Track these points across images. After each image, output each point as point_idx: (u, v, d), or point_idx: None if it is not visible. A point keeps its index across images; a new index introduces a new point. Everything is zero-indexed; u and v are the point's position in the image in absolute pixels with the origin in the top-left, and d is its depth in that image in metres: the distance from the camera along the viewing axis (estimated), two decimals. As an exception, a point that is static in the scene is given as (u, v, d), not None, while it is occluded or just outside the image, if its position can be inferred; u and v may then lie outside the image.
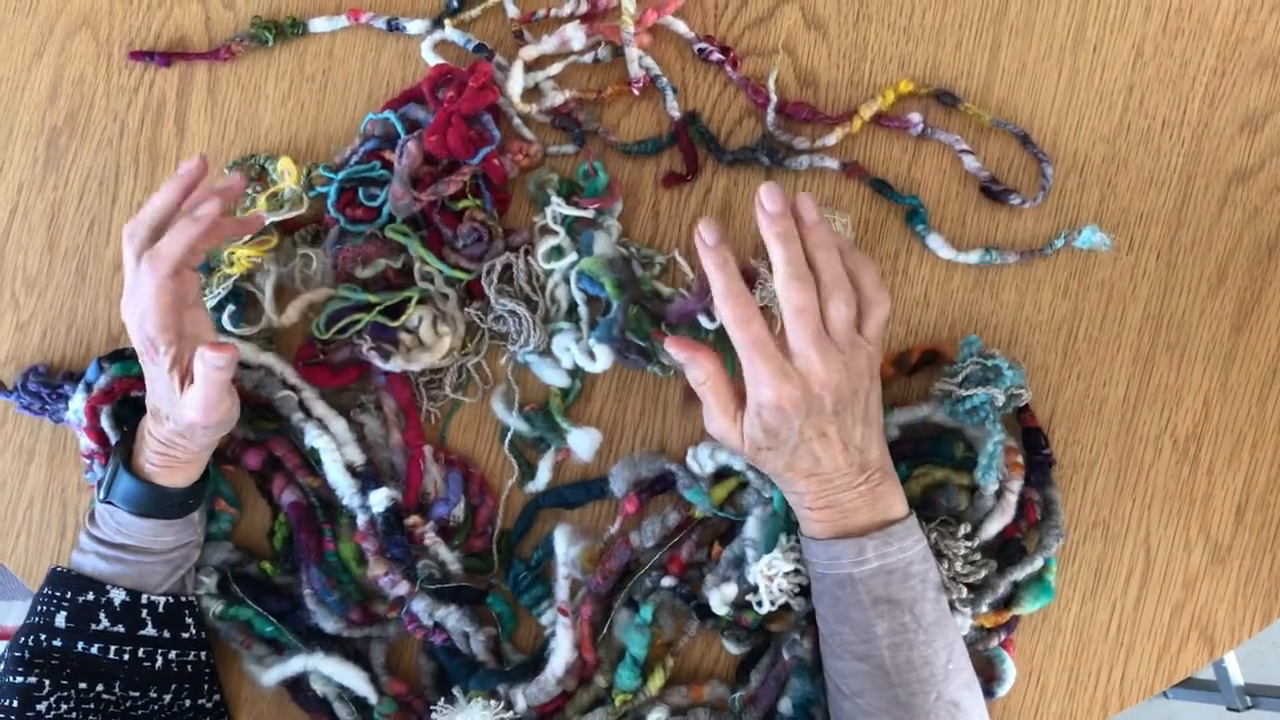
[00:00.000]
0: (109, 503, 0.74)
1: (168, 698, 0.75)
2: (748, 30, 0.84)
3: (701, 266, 0.81)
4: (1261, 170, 0.81)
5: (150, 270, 0.68)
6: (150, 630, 0.74)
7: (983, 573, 0.74)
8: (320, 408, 0.80)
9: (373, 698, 0.78)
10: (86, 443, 0.78)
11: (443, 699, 0.77)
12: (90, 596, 0.73)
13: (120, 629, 0.73)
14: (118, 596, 0.73)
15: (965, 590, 0.73)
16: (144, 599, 0.74)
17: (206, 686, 0.77)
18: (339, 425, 0.79)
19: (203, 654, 0.77)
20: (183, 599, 0.76)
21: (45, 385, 0.81)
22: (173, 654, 0.75)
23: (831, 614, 0.70)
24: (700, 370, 0.68)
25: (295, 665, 0.78)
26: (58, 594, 0.73)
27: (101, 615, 0.73)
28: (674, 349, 0.68)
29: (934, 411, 0.77)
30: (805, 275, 0.65)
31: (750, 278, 0.79)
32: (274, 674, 0.78)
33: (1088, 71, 0.82)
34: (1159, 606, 0.80)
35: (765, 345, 0.65)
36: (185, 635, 0.76)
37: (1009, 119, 0.82)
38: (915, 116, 0.81)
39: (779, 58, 0.83)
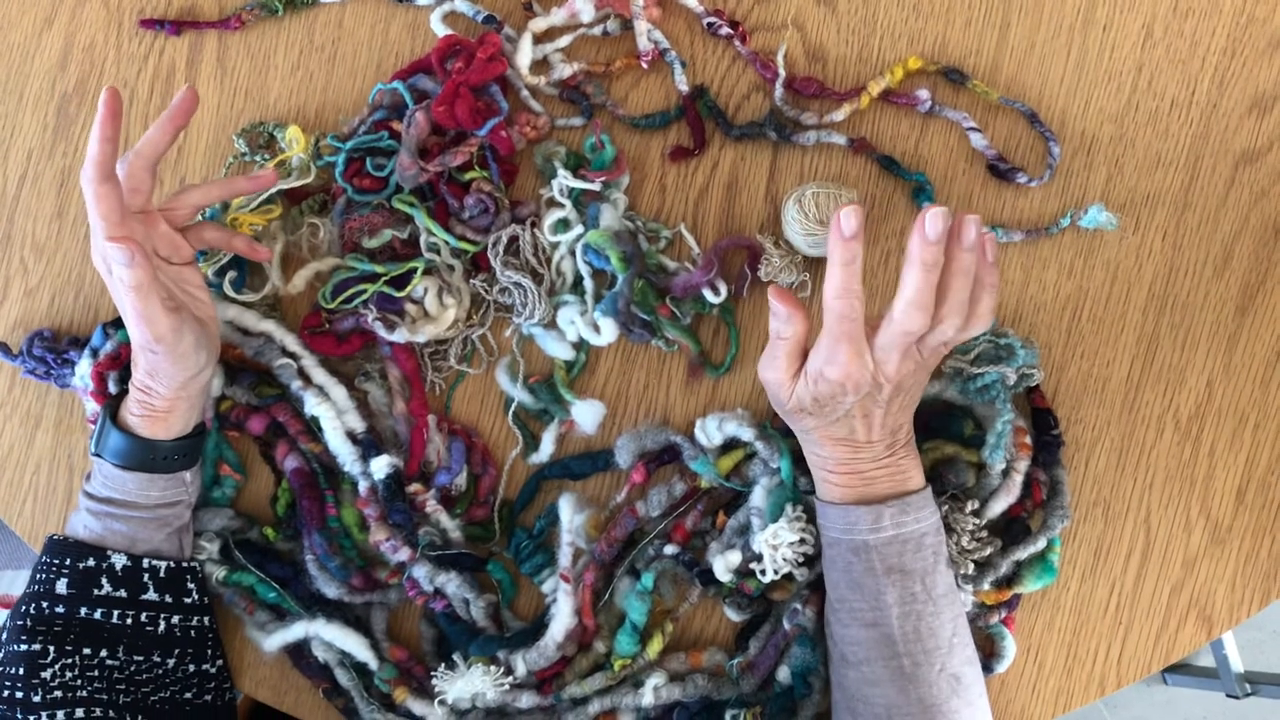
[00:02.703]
0: (99, 456, 0.74)
1: (171, 662, 0.75)
2: (757, 5, 0.84)
3: (707, 245, 0.82)
4: (1270, 152, 0.81)
5: (84, 185, 0.67)
6: (152, 595, 0.75)
7: (988, 550, 0.75)
8: (320, 375, 0.80)
9: (373, 663, 0.78)
10: (93, 408, 0.79)
11: (443, 665, 0.77)
12: (91, 562, 0.73)
13: (122, 594, 0.74)
14: (119, 561, 0.74)
15: (971, 566, 0.74)
16: (145, 564, 0.75)
17: (209, 651, 0.78)
18: (339, 393, 0.80)
19: (205, 619, 0.78)
20: (184, 564, 0.77)
21: (50, 350, 0.82)
22: (175, 619, 0.76)
23: (843, 580, 0.71)
24: (790, 329, 0.68)
25: (297, 631, 0.79)
26: (56, 561, 0.74)
27: (103, 580, 0.74)
28: (777, 300, 0.67)
29: (945, 388, 0.77)
30: (927, 306, 0.63)
31: (756, 253, 0.80)
32: (276, 639, 0.79)
33: (1097, 51, 0.82)
34: (1158, 586, 0.80)
35: (855, 337, 0.64)
36: (187, 600, 0.77)
37: (1017, 97, 0.82)
38: (923, 93, 0.81)
39: (788, 33, 0.83)
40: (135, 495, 0.74)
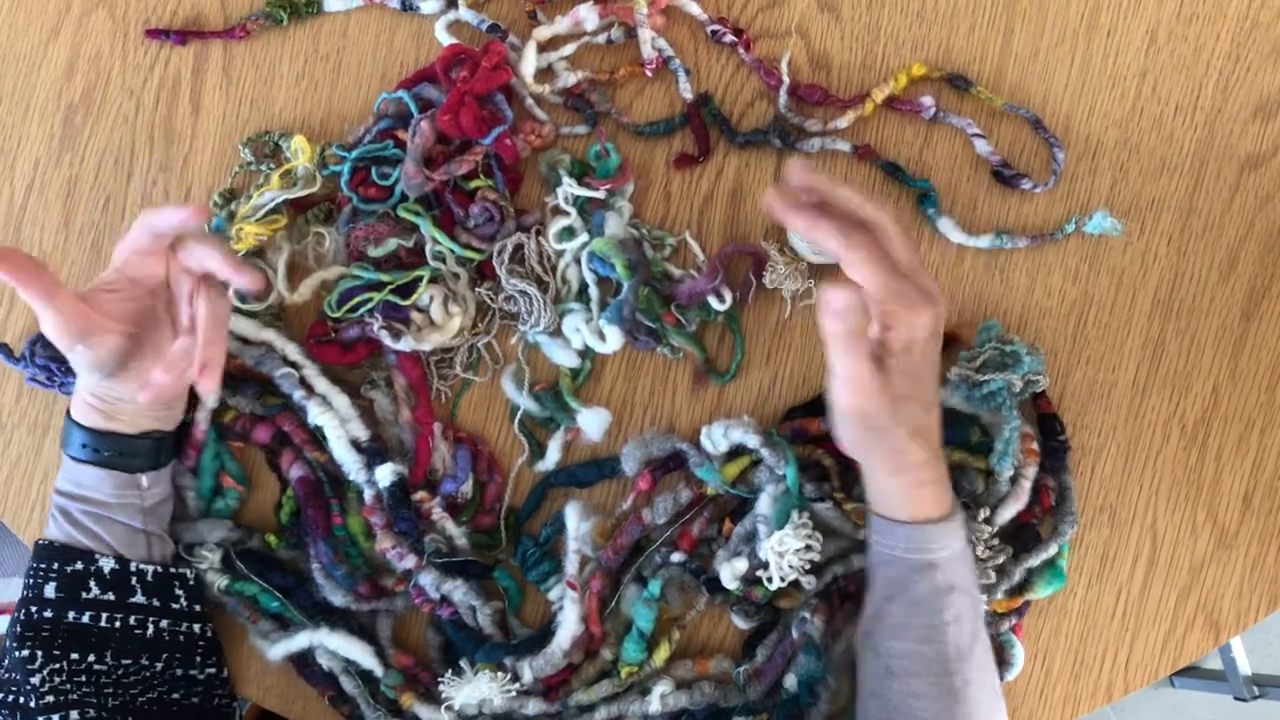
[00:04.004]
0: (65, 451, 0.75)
1: (159, 665, 0.75)
2: (761, 12, 0.84)
3: (712, 253, 0.82)
4: (1274, 157, 0.81)
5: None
6: (140, 598, 0.75)
7: (1001, 558, 0.75)
8: (322, 384, 0.80)
9: (378, 670, 0.78)
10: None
11: (450, 671, 0.77)
12: (79, 566, 0.74)
13: (110, 596, 0.74)
14: (106, 565, 0.74)
15: (993, 575, 0.74)
16: (133, 567, 0.75)
17: (199, 658, 0.77)
18: (341, 401, 0.80)
19: (195, 626, 0.77)
20: (172, 570, 0.77)
21: (53, 359, 0.82)
22: (164, 622, 0.76)
23: (901, 597, 0.69)
24: (854, 316, 0.63)
25: (301, 640, 0.78)
26: (43, 566, 0.74)
27: (91, 583, 0.74)
28: (835, 288, 0.63)
29: (950, 396, 0.77)
30: (863, 379, 0.64)
31: (761, 260, 0.80)
32: (279, 649, 0.79)
33: (1101, 56, 0.82)
34: (1165, 591, 0.80)
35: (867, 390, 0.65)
36: (175, 606, 0.76)
37: (1021, 103, 0.82)
38: (927, 100, 0.81)
39: (792, 40, 0.83)
40: (88, 490, 0.74)
